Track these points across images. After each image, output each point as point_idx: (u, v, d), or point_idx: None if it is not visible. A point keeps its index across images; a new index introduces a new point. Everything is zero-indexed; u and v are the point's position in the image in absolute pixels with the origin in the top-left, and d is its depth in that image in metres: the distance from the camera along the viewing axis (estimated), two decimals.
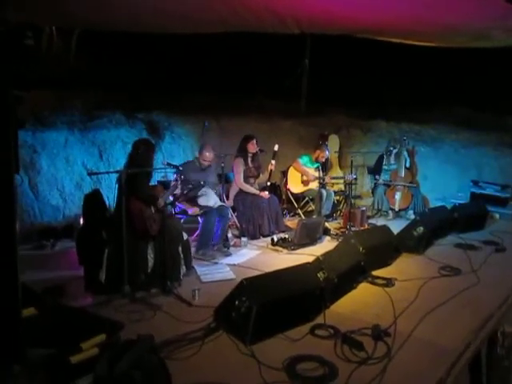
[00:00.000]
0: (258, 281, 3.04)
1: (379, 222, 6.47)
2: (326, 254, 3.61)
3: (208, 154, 5.03)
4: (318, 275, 3.30)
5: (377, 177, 6.98)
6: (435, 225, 5.27)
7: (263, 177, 5.74)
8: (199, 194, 4.93)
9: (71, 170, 5.76)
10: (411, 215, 6.65)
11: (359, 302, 3.63)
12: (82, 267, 3.84)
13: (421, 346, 2.91)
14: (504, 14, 4.40)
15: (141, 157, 3.92)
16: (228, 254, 4.79)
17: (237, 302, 2.84)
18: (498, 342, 3.32)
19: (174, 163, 4.79)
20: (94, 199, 3.99)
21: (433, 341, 2.98)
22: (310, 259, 4.64)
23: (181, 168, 4.16)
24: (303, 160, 6.45)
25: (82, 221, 4.27)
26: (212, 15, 4.07)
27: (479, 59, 7.23)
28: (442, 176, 7.63)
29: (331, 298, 3.43)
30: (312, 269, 3.33)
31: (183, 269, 4.10)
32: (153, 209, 3.84)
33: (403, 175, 6.72)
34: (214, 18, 4.21)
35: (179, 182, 4.23)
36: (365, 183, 7.93)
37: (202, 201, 4.93)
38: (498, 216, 6.76)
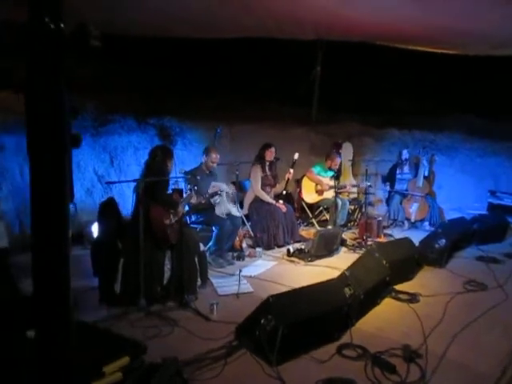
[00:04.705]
0: (285, 298, 2.89)
1: (395, 232, 6.34)
2: (352, 269, 3.45)
3: (215, 156, 4.90)
4: (344, 291, 3.15)
5: (387, 184, 6.84)
6: (456, 237, 5.12)
7: (279, 186, 5.64)
8: (213, 202, 4.80)
9: (82, 176, 5.65)
10: (427, 226, 6.51)
11: (384, 319, 3.48)
12: (96, 278, 3.71)
13: (455, 369, 2.76)
14: None
15: (158, 164, 3.82)
16: (231, 263, 4.75)
17: (262, 321, 2.69)
18: None
19: (189, 171, 4.69)
20: (109, 208, 3.86)
21: (467, 364, 2.83)
22: (328, 271, 4.56)
23: (198, 177, 4.03)
24: (316, 169, 6.33)
25: (96, 230, 4.15)
26: (234, 20, 3.97)
27: (493, 67, 7.12)
28: (457, 186, 7.48)
29: (357, 315, 3.29)
30: (338, 285, 3.18)
31: (198, 281, 3.97)
32: (172, 218, 3.71)
33: (421, 185, 6.57)
34: (235, 24, 4.11)
35: (193, 192, 4.12)
36: (378, 192, 7.79)
37: (217, 210, 4.80)
38: None
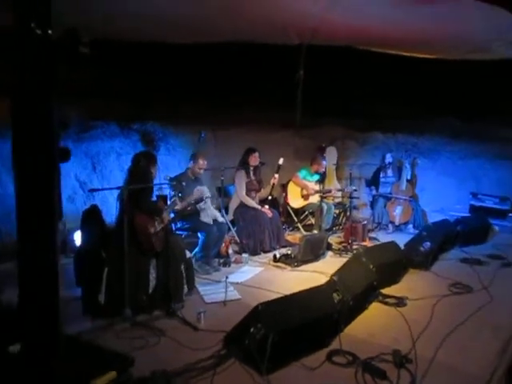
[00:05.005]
0: (274, 306, 2.85)
1: (379, 235, 6.36)
2: (340, 274, 3.44)
3: (203, 162, 4.84)
4: (333, 297, 3.14)
5: (372, 187, 6.89)
6: (441, 239, 5.16)
7: (264, 191, 5.61)
8: (198, 208, 4.73)
9: (63, 183, 5.51)
10: (411, 229, 6.57)
11: (373, 324, 3.46)
12: (80, 288, 3.62)
13: (445, 373, 2.76)
14: (508, 25, 4.36)
15: (142, 170, 3.76)
16: (218, 269, 4.69)
17: (252, 329, 2.65)
18: None
19: (174, 177, 4.63)
20: (92, 215, 3.77)
21: (456, 367, 2.83)
22: (315, 276, 4.55)
23: (184, 183, 3.98)
24: (302, 173, 6.34)
25: (79, 238, 4.05)
26: (217, 25, 3.94)
27: (472, 71, 7.24)
28: (439, 188, 7.58)
29: (346, 320, 3.27)
30: (327, 291, 3.16)
31: (185, 289, 3.91)
32: (157, 225, 3.65)
33: (404, 188, 6.62)
34: (218, 28, 4.08)
35: (178, 199, 4.07)
36: (362, 195, 7.82)
37: (202, 217, 4.74)
38: (497, 228, 6.68)
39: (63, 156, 1.32)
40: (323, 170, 6.35)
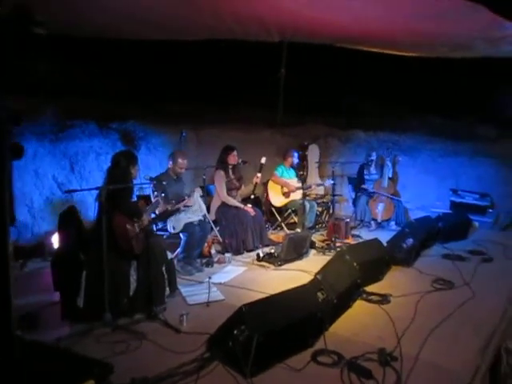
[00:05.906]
0: (258, 307, 2.80)
1: (362, 232, 6.38)
2: (324, 273, 3.41)
3: (182, 161, 4.70)
4: (317, 296, 3.11)
5: (364, 186, 6.88)
6: (423, 236, 5.19)
7: (246, 189, 5.56)
8: (182, 209, 4.65)
9: (41, 184, 5.37)
10: (393, 226, 6.61)
11: (358, 323, 3.45)
12: (58, 293, 3.52)
13: (430, 370, 2.75)
14: (490, 24, 4.40)
15: (121, 171, 3.67)
16: (200, 270, 4.62)
17: (236, 331, 2.60)
18: (501, 359, 3.21)
19: (155, 177, 4.54)
20: (69, 217, 3.66)
21: (441, 364, 2.83)
22: (298, 275, 4.52)
23: (164, 183, 3.90)
24: (279, 171, 6.31)
25: (56, 241, 3.94)
26: (198, 22, 3.88)
27: (453, 69, 7.32)
28: (420, 185, 7.64)
29: (330, 319, 3.24)
30: (311, 290, 3.13)
31: (167, 290, 3.83)
32: (137, 227, 3.56)
33: (386, 185, 6.66)
34: (199, 25, 4.01)
35: (161, 199, 3.99)
36: (344, 192, 7.84)
37: (185, 217, 4.66)
38: (477, 224, 6.77)
39: (15, 153, 1.22)
40: (297, 161, 6.34)
